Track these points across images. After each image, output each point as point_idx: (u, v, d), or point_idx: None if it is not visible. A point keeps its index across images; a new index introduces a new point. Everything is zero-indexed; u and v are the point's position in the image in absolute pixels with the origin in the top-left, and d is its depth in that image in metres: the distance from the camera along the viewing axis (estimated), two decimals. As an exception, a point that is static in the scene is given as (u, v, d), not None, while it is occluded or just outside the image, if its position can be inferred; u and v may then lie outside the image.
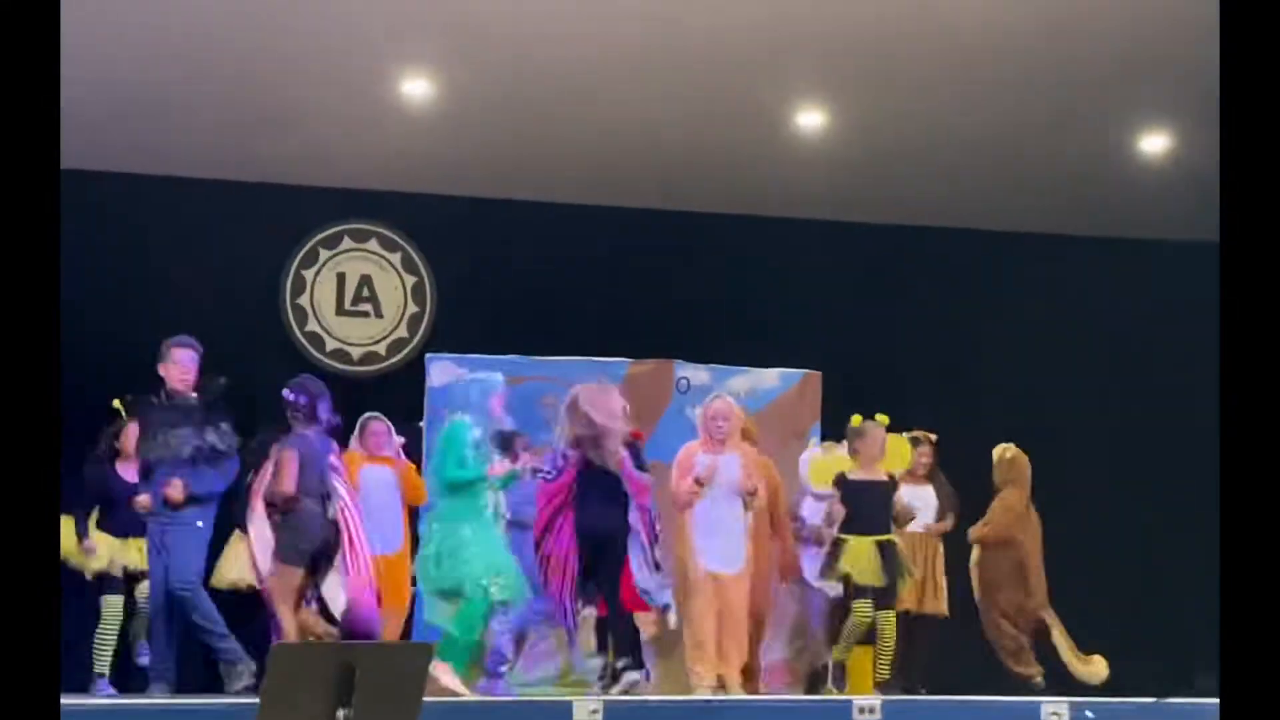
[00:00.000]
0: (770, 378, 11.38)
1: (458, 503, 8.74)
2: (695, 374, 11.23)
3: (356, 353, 12.59)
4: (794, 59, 10.45)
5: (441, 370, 10.92)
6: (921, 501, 10.04)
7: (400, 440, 9.84)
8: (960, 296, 13.15)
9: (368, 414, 9.93)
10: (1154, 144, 11.51)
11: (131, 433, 9.01)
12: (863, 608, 9.16)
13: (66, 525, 8.86)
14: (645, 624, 9.31)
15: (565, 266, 12.64)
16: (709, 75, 10.61)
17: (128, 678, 9.44)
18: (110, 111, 11.02)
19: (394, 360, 12.60)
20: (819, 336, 12.39)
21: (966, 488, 10.57)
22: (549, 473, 8.97)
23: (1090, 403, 12.96)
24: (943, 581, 10.12)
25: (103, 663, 9.07)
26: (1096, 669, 9.89)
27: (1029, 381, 12.87)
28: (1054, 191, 12.43)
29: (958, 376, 12.91)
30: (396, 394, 11.68)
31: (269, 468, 8.59)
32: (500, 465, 8.67)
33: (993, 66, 10.42)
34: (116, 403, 9.31)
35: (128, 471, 9.10)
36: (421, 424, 10.61)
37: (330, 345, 12.54)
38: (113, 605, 9.21)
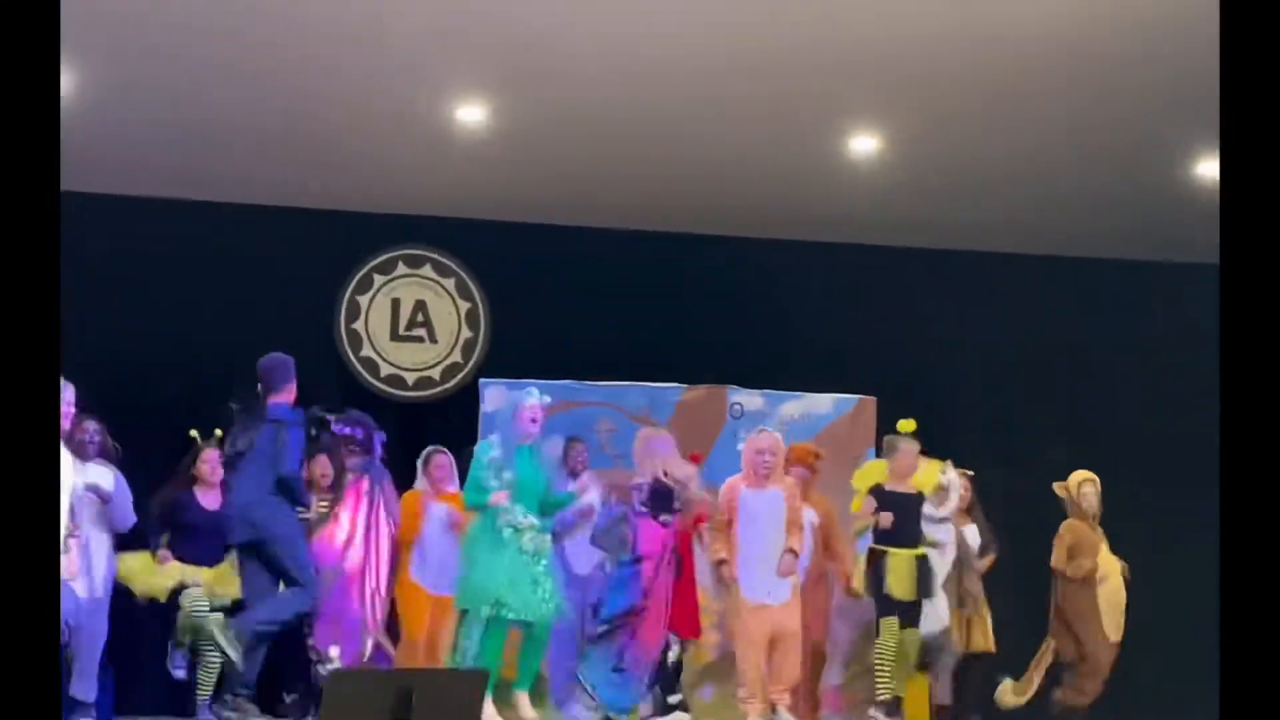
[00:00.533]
0: (824, 403, 11.38)
1: (477, 525, 8.65)
2: (749, 399, 11.24)
3: (411, 378, 12.64)
4: (846, 84, 10.42)
5: (495, 395, 10.97)
6: (969, 537, 9.99)
7: None
8: (1016, 321, 13.09)
9: (431, 447, 9.98)
10: (1205, 169, 11.44)
11: (208, 458, 9.05)
12: (890, 625, 9.16)
13: (142, 555, 8.89)
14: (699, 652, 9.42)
15: (618, 292, 12.65)
16: (760, 100, 10.59)
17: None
18: (168, 139, 11.12)
19: (448, 386, 12.63)
20: (874, 361, 12.34)
21: (1020, 516, 10.52)
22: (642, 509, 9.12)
23: (1144, 430, 12.84)
24: (988, 618, 10.02)
25: (206, 687, 8.79)
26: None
27: (1082, 408, 12.78)
28: (1107, 215, 12.36)
29: (1011, 402, 12.84)
30: (450, 419, 11.74)
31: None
32: (501, 495, 8.46)
33: (1044, 93, 10.37)
34: (193, 432, 9.23)
35: (205, 497, 9.08)
36: (475, 450, 10.64)
37: (385, 371, 12.60)
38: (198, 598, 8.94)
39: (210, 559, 8.85)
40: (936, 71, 10.14)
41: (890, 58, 9.97)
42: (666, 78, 10.28)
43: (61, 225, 11.65)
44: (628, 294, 12.67)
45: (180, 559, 8.92)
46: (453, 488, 9.70)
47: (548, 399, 8.88)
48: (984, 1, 9.25)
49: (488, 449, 8.74)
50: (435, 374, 12.69)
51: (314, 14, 9.43)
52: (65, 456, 7.94)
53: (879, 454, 10.77)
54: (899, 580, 9.17)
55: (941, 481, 9.32)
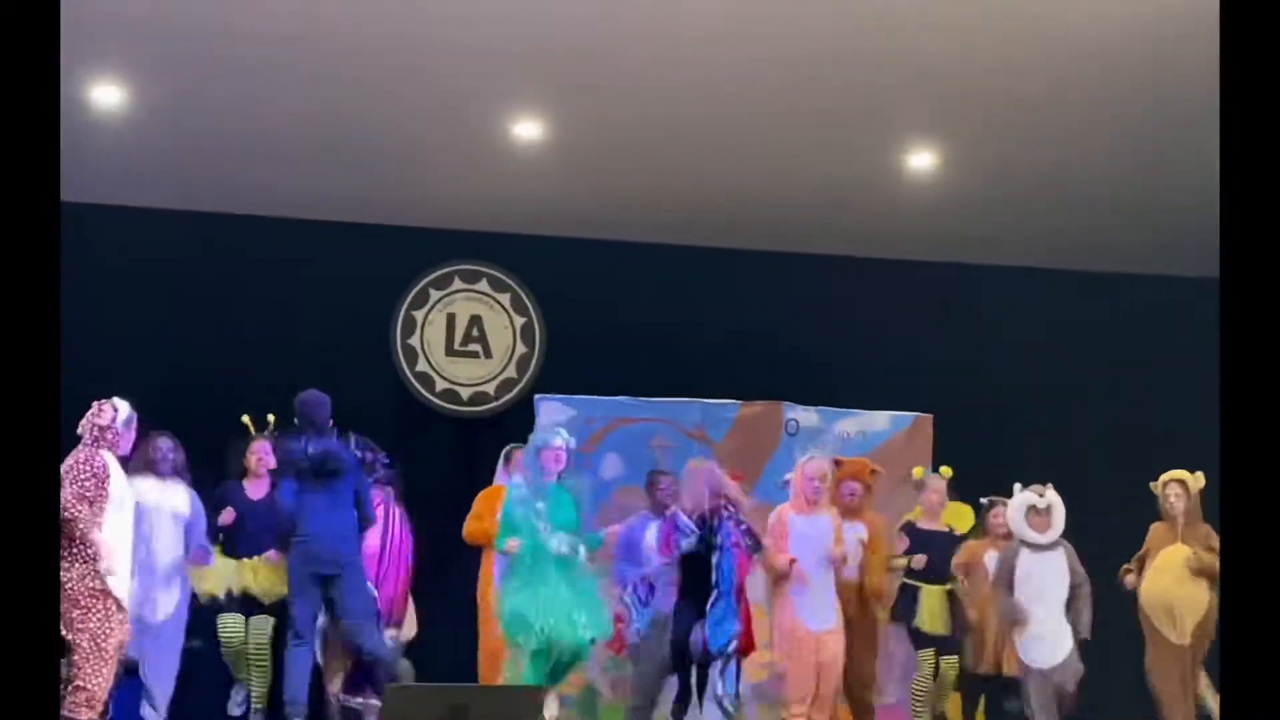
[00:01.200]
0: (880, 420, 11.30)
1: (515, 556, 8.66)
2: (804, 416, 11.18)
3: (466, 393, 12.65)
4: (904, 100, 10.39)
5: (550, 411, 10.94)
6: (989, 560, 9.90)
7: None
8: (1076, 336, 13.00)
9: (511, 445, 9.88)
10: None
11: (259, 449, 9.03)
12: (926, 656, 9.49)
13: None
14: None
15: (673, 307, 12.64)
16: (815, 115, 10.57)
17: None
18: (223, 154, 11.19)
19: (503, 400, 12.64)
20: (931, 379, 12.27)
21: (1082, 529, 10.40)
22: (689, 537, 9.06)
23: (1210, 445, 12.68)
24: (1017, 642, 9.85)
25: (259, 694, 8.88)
26: None
27: (1143, 424, 12.67)
28: (1168, 230, 12.25)
29: (1068, 419, 12.74)
30: (505, 434, 11.72)
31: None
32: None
33: (1104, 108, 10.31)
34: (245, 418, 9.25)
35: (255, 489, 9.04)
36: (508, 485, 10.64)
37: (440, 386, 12.61)
38: (233, 625, 8.95)
39: (256, 549, 8.90)
40: (992, 86, 10.09)
41: (945, 72, 9.93)
42: (721, 93, 10.27)
43: (118, 239, 11.83)
44: (683, 309, 12.66)
45: (226, 552, 8.99)
46: None
47: (573, 441, 8.95)
48: (1039, 16, 9.19)
49: (515, 489, 8.80)
50: (490, 389, 12.70)
51: (370, 30, 9.46)
52: (141, 478, 8.01)
53: (935, 471, 10.74)
54: (930, 615, 9.46)
55: (1038, 505, 9.13)
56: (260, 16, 9.34)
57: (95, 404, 7.46)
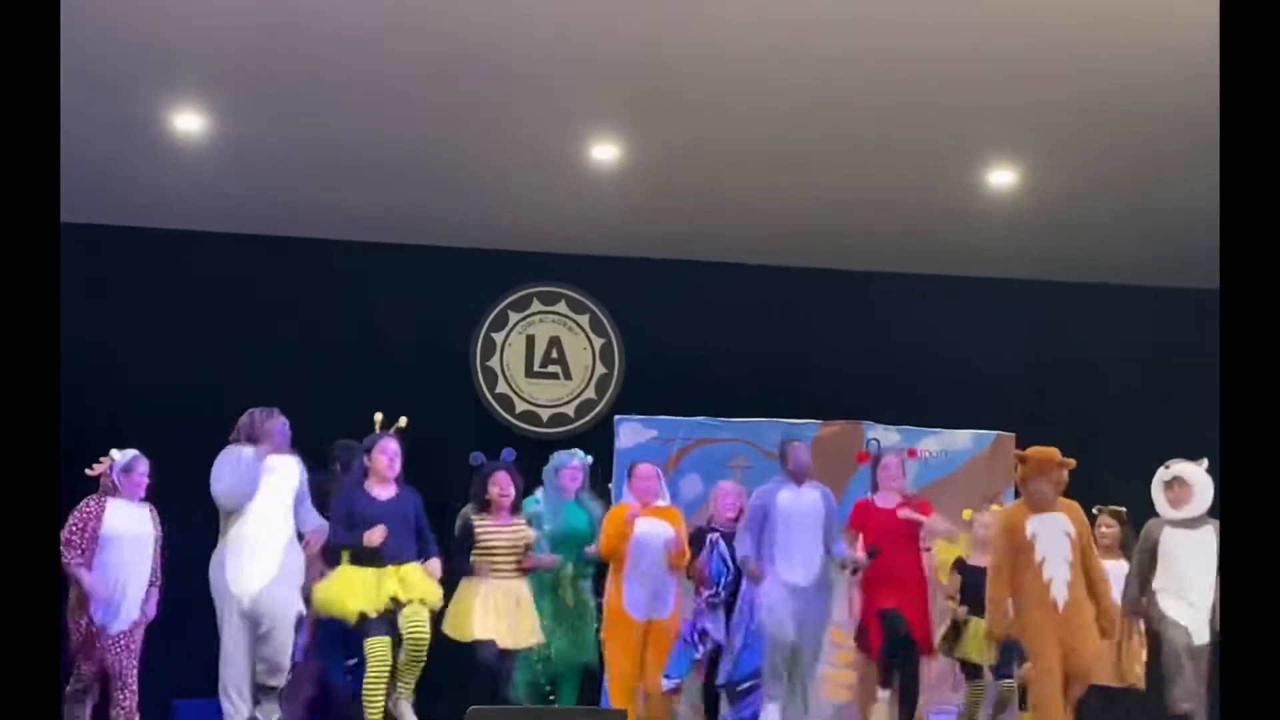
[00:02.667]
0: (962, 439, 11.23)
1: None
2: (885, 435, 11.12)
3: (545, 414, 12.68)
4: (984, 118, 10.31)
5: (630, 432, 10.96)
6: (1115, 575, 9.75)
7: None
8: (1154, 355, 12.85)
9: (634, 460, 9.78)
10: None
11: (389, 449, 8.45)
12: (976, 687, 9.49)
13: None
14: None
15: (753, 327, 12.62)
16: (895, 136, 10.52)
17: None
18: (304, 179, 11.28)
19: (582, 422, 12.65)
20: (1014, 397, 12.17)
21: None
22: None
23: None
24: (1140, 652, 9.72)
25: (375, 714, 8.15)
26: None
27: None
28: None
29: (1155, 440, 12.57)
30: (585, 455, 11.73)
31: None
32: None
33: (1186, 123, 10.18)
34: (378, 416, 8.89)
35: (381, 490, 8.41)
36: (610, 485, 10.63)
37: (520, 407, 12.65)
38: (380, 647, 8.10)
39: (397, 557, 8.21)
40: (1072, 102, 10.00)
41: (1025, 89, 9.85)
42: (798, 114, 10.24)
43: (200, 263, 11.94)
44: (761, 329, 12.63)
45: (357, 561, 8.29)
46: (661, 501, 9.25)
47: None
48: (1118, 33, 9.10)
49: (532, 503, 9.12)
50: (570, 410, 12.72)
51: (447, 53, 9.51)
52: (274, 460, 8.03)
53: (1018, 494, 10.63)
54: (976, 647, 9.39)
55: (1170, 476, 8.99)
56: (338, 45, 9.40)
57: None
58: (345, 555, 8.25)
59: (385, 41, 9.39)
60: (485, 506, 8.72)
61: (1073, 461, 8.32)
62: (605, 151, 10.86)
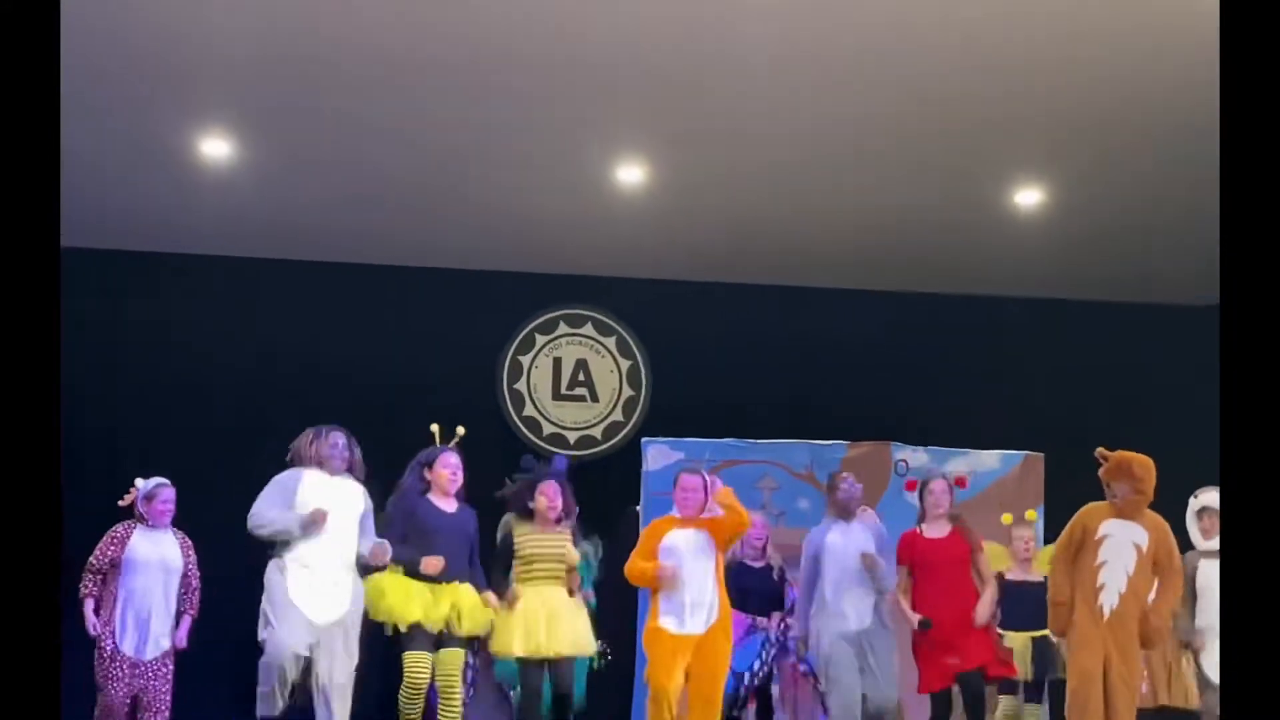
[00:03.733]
0: (991, 459, 11.19)
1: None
2: (913, 456, 11.09)
3: (573, 437, 12.68)
4: (1010, 138, 10.30)
5: (657, 454, 10.95)
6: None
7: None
8: (1186, 374, 12.77)
9: (682, 468, 9.07)
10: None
11: (451, 462, 8.16)
12: (1008, 702, 9.33)
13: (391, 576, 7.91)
14: None
15: (780, 348, 12.60)
16: (922, 156, 10.51)
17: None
18: (332, 204, 11.31)
19: (610, 444, 12.65)
20: (1042, 416, 12.12)
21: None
22: None
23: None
24: (1186, 670, 9.60)
25: None
26: None
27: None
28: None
29: (1188, 461, 12.49)
30: (613, 478, 11.72)
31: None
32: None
33: (1213, 142, 10.15)
34: (434, 428, 8.48)
35: (444, 504, 8.12)
36: (638, 508, 10.62)
37: (547, 430, 12.65)
38: (418, 663, 7.81)
39: (454, 570, 7.96)
40: (1101, 123, 9.99)
41: (1051, 108, 9.84)
42: (825, 135, 10.24)
43: (227, 288, 11.98)
44: (788, 351, 12.61)
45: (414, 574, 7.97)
46: (707, 513, 8.34)
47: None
48: (1145, 53, 9.09)
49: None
50: (597, 433, 12.72)
51: (474, 77, 9.53)
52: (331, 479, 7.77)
53: (1047, 513, 10.60)
54: (1017, 661, 9.26)
55: (1201, 506, 8.87)
56: (364, 70, 9.44)
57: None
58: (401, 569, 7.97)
59: (412, 66, 9.43)
60: (528, 515, 8.33)
61: (1144, 479, 7.97)
62: (631, 174, 10.87)
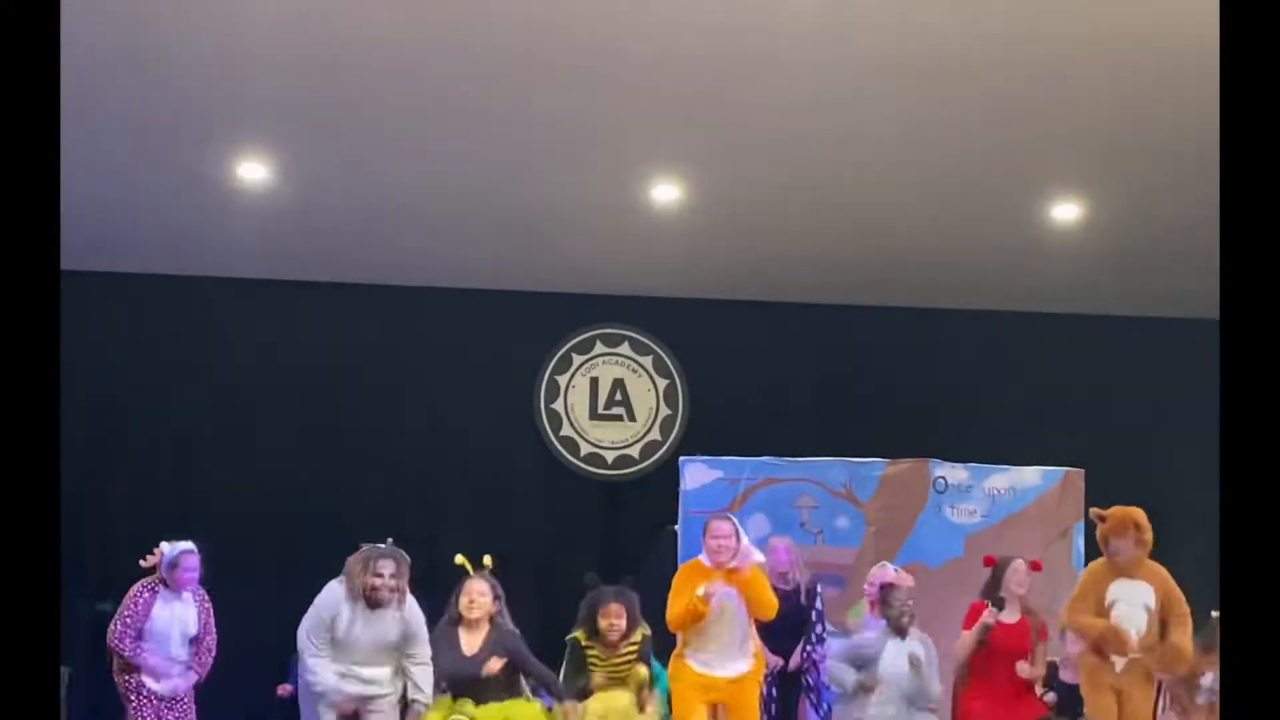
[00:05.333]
0: (1031, 476, 11.12)
1: None
2: (952, 473, 11.03)
3: (610, 456, 12.65)
4: (1048, 152, 10.25)
5: (695, 473, 10.92)
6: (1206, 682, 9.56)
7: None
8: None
9: (712, 513, 8.78)
10: None
11: (470, 590, 7.91)
12: None
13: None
14: None
15: (818, 366, 12.57)
16: (958, 173, 10.47)
17: None
18: (366, 226, 11.33)
19: (647, 463, 12.62)
20: (1083, 433, 12.05)
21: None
22: None
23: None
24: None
25: None
26: None
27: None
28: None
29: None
30: (650, 497, 11.70)
31: None
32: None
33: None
34: (460, 559, 8.04)
35: (470, 638, 7.89)
36: (675, 527, 10.59)
37: (584, 450, 12.63)
38: None
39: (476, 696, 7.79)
40: (1141, 138, 9.93)
41: (1089, 123, 9.79)
42: (860, 152, 10.21)
43: (263, 311, 12.02)
44: (826, 368, 12.57)
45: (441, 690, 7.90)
46: (734, 562, 8.01)
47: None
48: (1184, 65, 9.03)
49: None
50: (634, 452, 12.69)
51: (509, 99, 9.54)
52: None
53: (1087, 530, 10.52)
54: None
55: None
56: (399, 92, 9.46)
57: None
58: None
59: (447, 88, 9.44)
60: (594, 634, 8.11)
61: (1147, 529, 7.95)
62: (667, 193, 10.86)
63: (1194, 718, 8.30)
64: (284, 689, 10.11)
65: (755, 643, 8.12)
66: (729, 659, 7.98)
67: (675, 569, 8.64)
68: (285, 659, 9.70)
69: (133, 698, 8.37)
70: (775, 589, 8.93)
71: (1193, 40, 8.69)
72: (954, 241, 11.53)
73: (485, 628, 7.88)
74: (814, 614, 9.34)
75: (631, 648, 8.09)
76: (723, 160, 10.42)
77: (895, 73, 9.22)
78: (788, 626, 9.15)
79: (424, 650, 7.69)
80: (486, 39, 8.89)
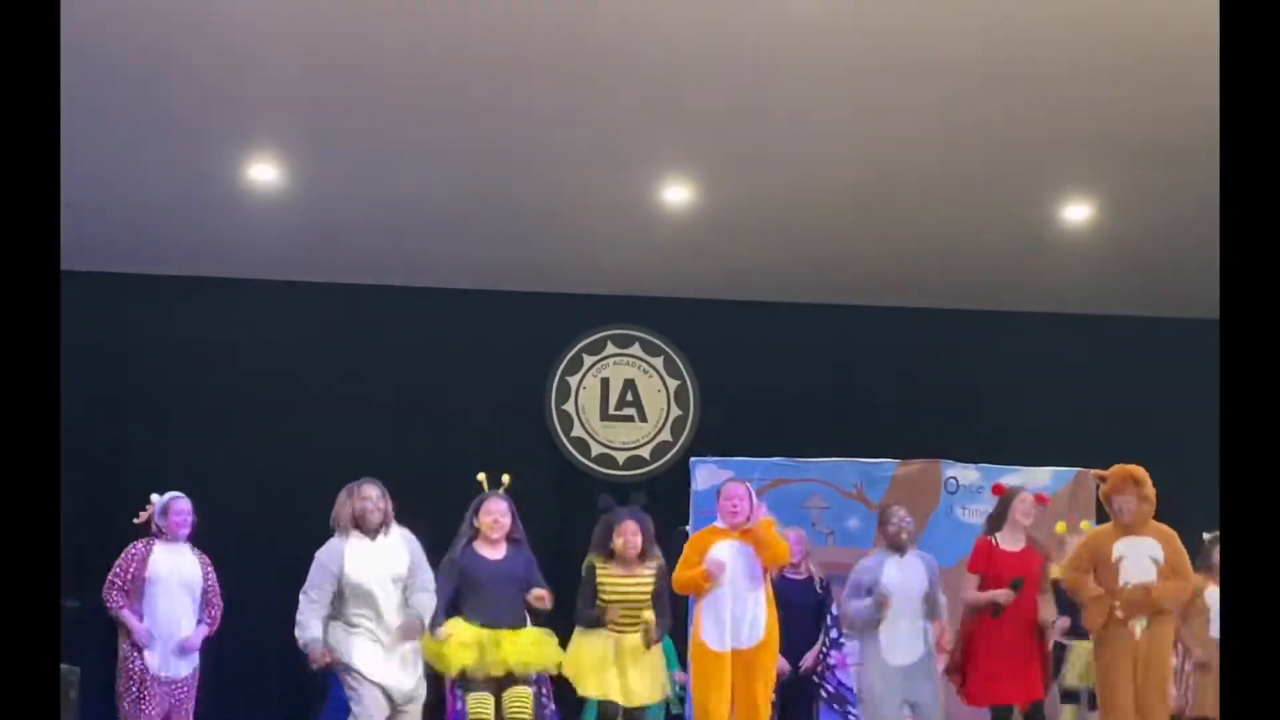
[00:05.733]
0: (1042, 476, 11.09)
1: None
2: (964, 473, 11.03)
3: (621, 457, 12.66)
4: (1058, 154, 10.25)
5: (706, 474, 10.92)
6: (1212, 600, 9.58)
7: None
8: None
9: (728, 479, 8.87)
10: None
11: (495, 509, 7.98)
12: (1071, 712, 9.17)
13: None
14: None
15: (827, 367, 12.56)
16: (971, 172, 10.47)
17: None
18: (378, 226, 11.35)
19: (658, 464, 12.63)
20: (1095, 433, 12.02)
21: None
22: None
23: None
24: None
25: None
26: None
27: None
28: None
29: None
30: (661, 498, 11.69)
31: None
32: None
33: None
34: (481, 476, 8.18)
35: (490, 551, 7.93)
36: (686, 528, 10.59)
37: (595, 450, 12.64)
38: (480, 704, 7.69)
39: (505, 618, 7.84)
40: (1150, 138, 9.93)
41: (1100, 122, 9.79)
42: (871, 152, 10.21)
43: (275, 312, 12.03)
44: (836, 369, 12.57)
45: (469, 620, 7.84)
46: (748, 521, 8.19)
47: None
48: (1195, 65, 9.02)
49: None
50: (645, 453, 12.70)
51: (521, 100, 9.55)
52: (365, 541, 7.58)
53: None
54: (1076, 670, 9.20)
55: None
56: (409, 93, 9.48)
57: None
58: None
59: (457, 90, 9.46)
60: (609, 555, 8.19)
61: (1146, 483, 8.05)
62: (678, 194, 10.87)
63: (1213, 655, 8.30)
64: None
65: (772, 618, 8.13)
66: (743, 625, 8.05)
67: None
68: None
69: (134, 687, 8.25)
70: (786, 578, 8.99)
71: (1208, 40, 8.66)
72: (965, 242, 11.52)
73: (504, 546, 7.97)
74: (829, 618, 9.32)
75: (648, 574, 8.15)
76: (734, 161, 10.43)
77: (906, 74, 9.23)
78: (803, 614, 9.16)
79: (427, 575, 7.66)
80: (498, 41, 8.91)
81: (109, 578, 8.39)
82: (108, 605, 8.35)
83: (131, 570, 8.38)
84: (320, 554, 7.53)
